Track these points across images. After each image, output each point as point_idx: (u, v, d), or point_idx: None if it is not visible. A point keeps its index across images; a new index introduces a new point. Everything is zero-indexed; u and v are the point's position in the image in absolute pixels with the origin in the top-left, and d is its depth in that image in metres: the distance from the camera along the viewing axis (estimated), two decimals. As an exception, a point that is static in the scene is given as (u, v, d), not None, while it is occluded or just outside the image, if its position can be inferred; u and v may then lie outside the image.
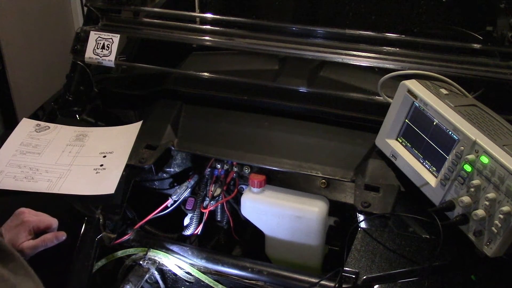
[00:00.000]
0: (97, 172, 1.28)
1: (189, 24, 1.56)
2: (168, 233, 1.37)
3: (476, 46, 1.35)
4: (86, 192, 1.22)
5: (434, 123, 1.09)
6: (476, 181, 0.97)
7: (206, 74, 1.50)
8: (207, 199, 1.37)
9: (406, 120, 1.18)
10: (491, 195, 0.94)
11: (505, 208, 0.91)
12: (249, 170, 1.32)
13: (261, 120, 1.40)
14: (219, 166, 1.35)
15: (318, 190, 1.29)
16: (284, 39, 1.44)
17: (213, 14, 1.76)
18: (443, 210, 1.04)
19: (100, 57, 1.51)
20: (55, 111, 1.56)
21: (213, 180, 1.37)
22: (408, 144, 1.18)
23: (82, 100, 1.58)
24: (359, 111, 1.35)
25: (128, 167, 1.28)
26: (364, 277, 1.04)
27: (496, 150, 0.95)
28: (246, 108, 1.43)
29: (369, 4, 1.88)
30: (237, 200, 1.37)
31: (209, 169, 1.37)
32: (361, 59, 1.36)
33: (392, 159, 1.20)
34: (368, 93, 1.35)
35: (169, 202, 1.34)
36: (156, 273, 1.19)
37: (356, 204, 1.14)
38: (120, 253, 1.20)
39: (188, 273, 1.17)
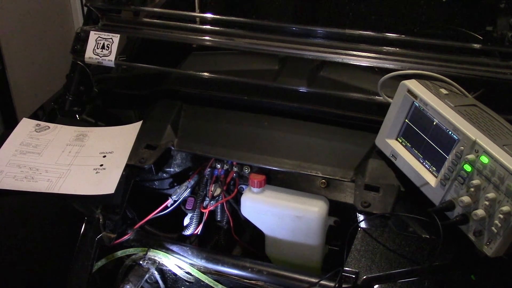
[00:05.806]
0: (97, 172, 1.28)
1: (189, 24, 1.56)
2: (168, 233, 1.37)
3: (476, 46, 1.35)
4: (86, 192, 1.22)
5: (434, 123, 1.09)
6: (476, 181, 0.97)
7: (206, 74, 1.50)
8: (207, 199, 1.37)
9: (406, 120, 1.18)
10: (491, 195, 0.94)
11: (505, 208, 0.91)
12: (249, 170, 1.32)
13: (261, 120, 1.40)
14: (219, 166, 1.35)
15: (318, 190, 1.29)
16: (284, 39, 1.44)
17: (213, 14, 1.76)
18: (443, 210, 1.04)
19: (100, 57, 1.51)
20: (55, 111, 1.56)
21: (213, 180, 1.37)
22: (408, 144, 1.18)
23: (82, 100, 1.58)
24: (359, 111, 1.35)
25: (128, 167, 1.28)
26: (364, 277, 1.04)
27: (496, 150, 0.95)
28: (246, 108, 1.43)
29: (369, 4, 1.88)
30: (237, 200, 1.37)
31: (209, 169, 1.37)
32: (361, 59, 1.36)
33: (392, 159, 1.20)
34: (368, 93, 1.35)
35: (169, 202, 1.33)
36: (156, 273, 1.19)
37: (356, 204, 1.14)
38: (120, 253, 1.20)
39: (188, 273, 1.17)
